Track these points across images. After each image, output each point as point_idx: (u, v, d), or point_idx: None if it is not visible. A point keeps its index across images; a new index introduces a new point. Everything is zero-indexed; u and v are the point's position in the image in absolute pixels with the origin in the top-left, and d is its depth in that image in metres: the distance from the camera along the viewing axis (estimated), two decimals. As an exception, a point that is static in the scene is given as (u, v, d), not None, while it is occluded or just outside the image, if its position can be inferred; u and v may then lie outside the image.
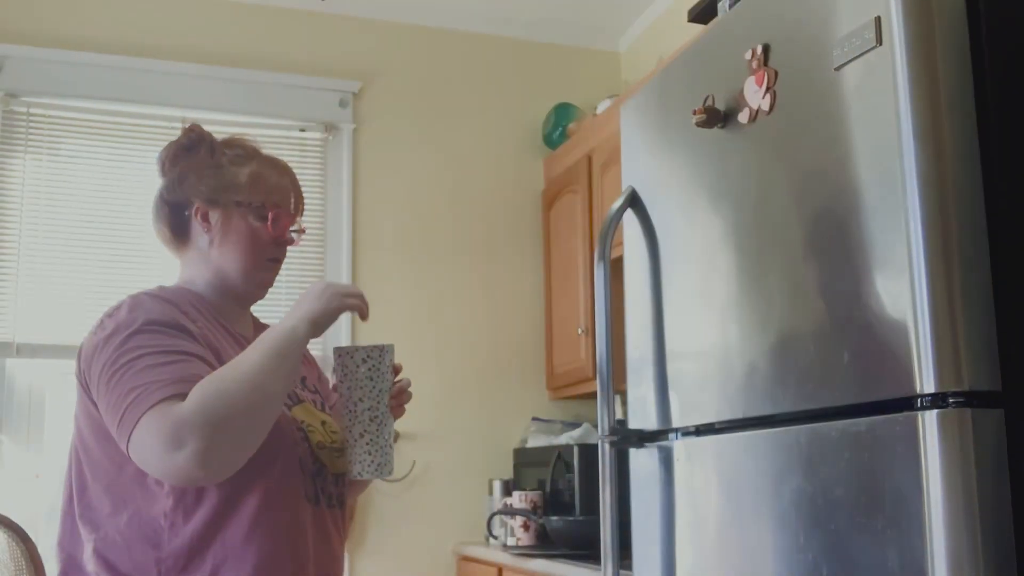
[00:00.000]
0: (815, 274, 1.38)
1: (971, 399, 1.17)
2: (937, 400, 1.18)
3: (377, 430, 1.56)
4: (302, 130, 3.68)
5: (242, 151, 1.67)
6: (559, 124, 3.83)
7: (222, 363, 1.49)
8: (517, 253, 3.86)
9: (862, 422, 1.27)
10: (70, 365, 3.56)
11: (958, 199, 1.22)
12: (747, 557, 1.49)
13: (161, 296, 1.57)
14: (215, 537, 1.45)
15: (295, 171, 1.76)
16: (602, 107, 3.51)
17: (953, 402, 1.17)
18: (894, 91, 1.25)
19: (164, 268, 3.41)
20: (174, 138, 1.72)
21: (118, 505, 1.49)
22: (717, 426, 1.61)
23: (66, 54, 3.42)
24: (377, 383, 1.57)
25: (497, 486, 3.53)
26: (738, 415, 1.53)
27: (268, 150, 1.75)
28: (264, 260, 1.63)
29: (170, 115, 3.54)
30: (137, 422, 1.38)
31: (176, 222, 1.64)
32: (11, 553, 2.22)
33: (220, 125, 3.59)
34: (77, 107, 3.44)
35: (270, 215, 1.61)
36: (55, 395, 3.39)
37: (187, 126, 1.72)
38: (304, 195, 1.74)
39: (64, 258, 3.36)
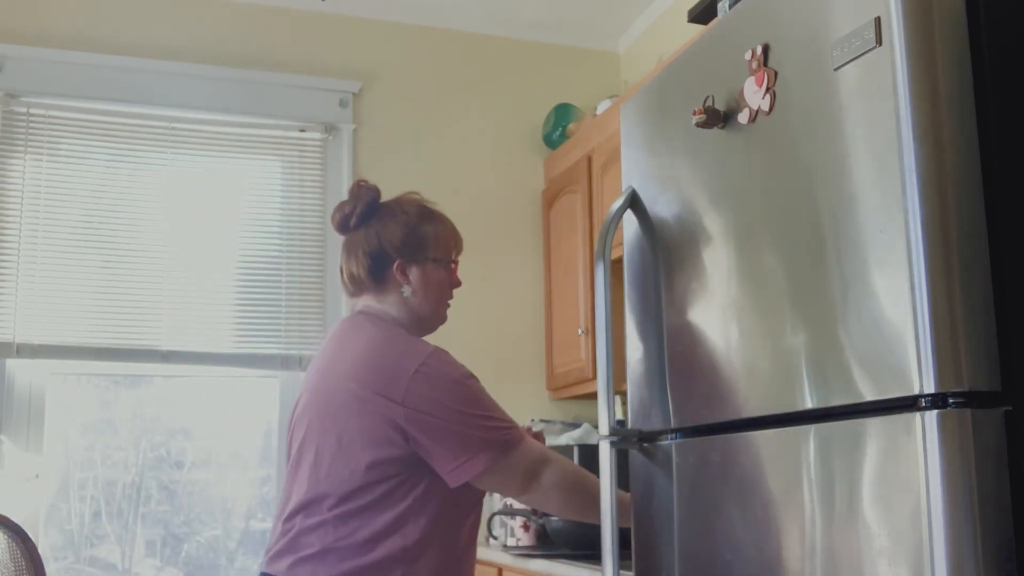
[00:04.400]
0: (815, 274, 1.38)
1: (971, 399, 1.17)
2: (937, 400, 1.18)
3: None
4: (302, 130, 3.68)
5: (418, 209, 1.99)
6: (559, 124, 3.83)
7: None
8: (517, 253, 3.86)
9: (862, 422, 1.27)
10: (70, 365, 3.55)
11: (958, 199, 1.22)
12: (747, 557, 1.48)
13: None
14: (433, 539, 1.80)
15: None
16: (602, 107, 3.51)
17: (953, 402, 1.17)
18: (894, 91, 1.25)
19: (165, 268, 3.41)
20: (342, 197, 2.04)
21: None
22: (717, 426, 1.60)
23: (66, 54, 3.42)
24: None
25: (497, 486, 3.52)
26: (738, 415, 1.53)
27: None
28: (447, 302, 2.01)
29: (170, 115, 3.54)
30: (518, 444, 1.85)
31: (377, 272, 1.95)
32: (11, 553, 2.22)
33: (220, 125, 3.59)
34: (77, 107, 3.44)
35: (454, 267, 2.00)
36: (55, 395, 3.39)
37: (356, 183, 2.03)
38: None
39: (64, 258, 3.36)
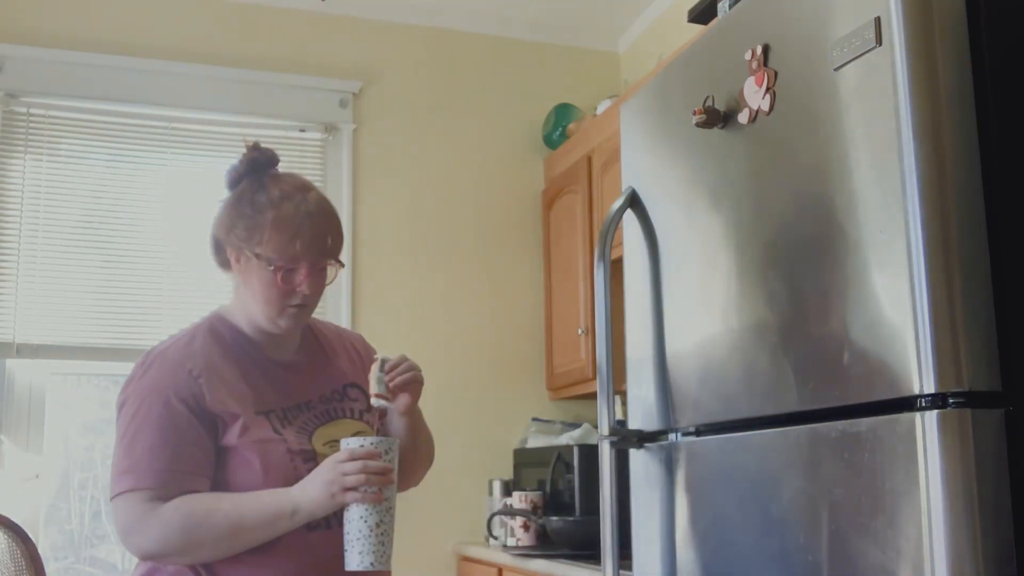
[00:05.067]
0: (815, 274, 1.38)
1: (971, 399, 1.17)
2: (937, 400, 1.18)
3: (391, 521, 1.59)
4: (302, 130, 3.68)
5: (269, 198, 1.66)
6: (559, 124, 3.83)
7: (224, 390, 1.64)
8: (517, 253, 3.86)
9: (862, 422, 1.27)
10: (70, 365, 3.54)
11: (958, 199, 1.22)
12: (747, 558, 1.48)
13: (181, 356, 1.67)
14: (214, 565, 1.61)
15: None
16: (602, 107, 3.51)
17: (953, 402, 1.17)
18: (894, 91, 1.25)
19: (165, 268, 3.41)
20: (239, 155, 1.75)
21: None
22: (717, 426, 1.61)
23: (66, 54, 3.42)
24: (395, 473, 1.62)
25: (497, 486, 3.53)
26: (738, 415, 1.53)
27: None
28: (285, 307, 1.68)
29: (170, 115, 3.54)
30: (120, 495, 1.59)
31: (219, 255, 1.74)
32: (11, 553, 2.22)
33: (220, 125, 3.59)
34: (77, 107, 3.44)
35: (278, 274, 1.64)
36: (55, 395, 3.39)
37: (251, 144, 1.75)
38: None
39: (64, 258, 3.36)
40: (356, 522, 1.55)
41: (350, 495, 1.55)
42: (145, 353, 1.70)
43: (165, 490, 1.57)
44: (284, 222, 1.64)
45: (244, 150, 1.73)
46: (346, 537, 1.57)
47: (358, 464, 1.55)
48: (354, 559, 1.55)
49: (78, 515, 3.42)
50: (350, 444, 1.58)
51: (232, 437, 1.62)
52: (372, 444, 1.57)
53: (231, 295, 1.77)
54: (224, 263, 1.74)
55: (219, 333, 1.72)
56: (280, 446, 1.64)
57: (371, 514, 1.55)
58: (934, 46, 1.25)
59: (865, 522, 1.25)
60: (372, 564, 1.55)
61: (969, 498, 1.15)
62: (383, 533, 1.56)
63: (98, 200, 3.44)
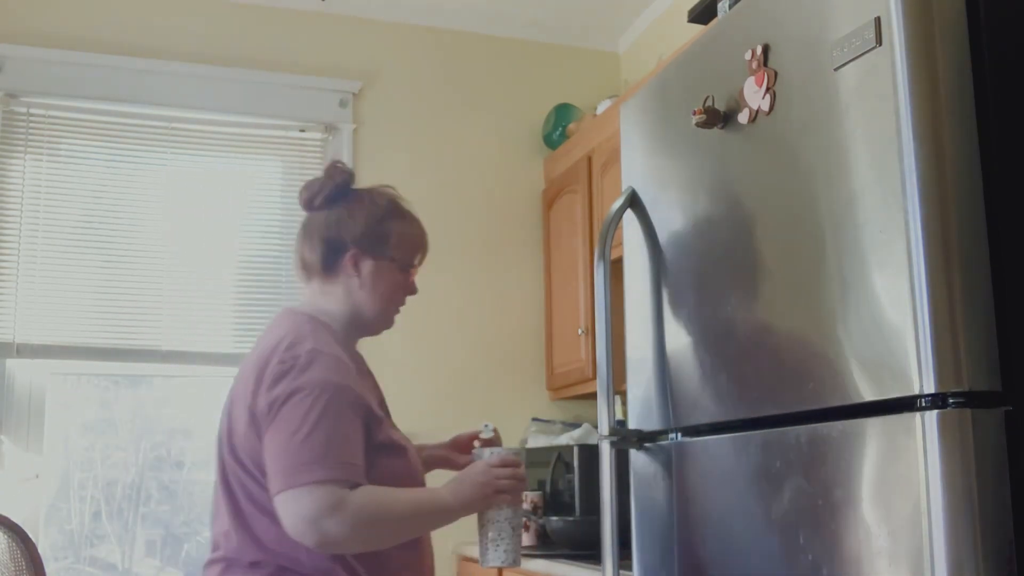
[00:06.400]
0: (815, 274, 1.38)
1: (971, 399, 1.17)
2: (937, 400, 1.18)
3: (522, 523, 1.76)
4: (302, 130, 3.68)
5: (389, 203, 1.88)
6: (559, 124, 3.83)
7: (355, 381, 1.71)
8: (517, 253, 3.86)
9: (862, 422, 1.27)
10: (70, 365, 3.54)
11: (958, 199, 1.22)
12: (747, 557, 1.49)
13: (338, 354, 1.71)
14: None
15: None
16: (602, 107, 3.51)
17: (953, 402, 1.17)
18: (894, 91, 1.25)
19: (165, 268, 3.41)
20: (317, 175, 1.87)
21: None
22: (717, 426, 1.61)
23: (66, 54, 3.42)
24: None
25: (497, 486, 3.52)
26: (738, 415, 1.53)
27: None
28: (397, 307, 1.87)
29: (170, 115, 3.54)
30: (308, 484, 1.58)
31: (329, 259, 1.81)
32: (11, 553, 2.22)
33: (220, 125, 3.59)
34: (77, 107, 3.44)
35: (413, 274, 1.87)
36: (55, 395, 3.39)
37: (332, 163, 1.89)
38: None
39: (64, 258, 3.36)
40: (502, 523, 1.71)
41: (501, 497, 1.71)
42: (289, 345, 1.67)
43: (349, 482, 1.60)
44: (414, 229, 1.89)
45: (327, 170, 1.87)
46: (487, 536, 1.71)
47: (509, 470, 1.72)
48: (499, 556, 1.71)
49: (78, 515, 3.42)
50: (498, 451, 1.74)
51: (383, 434, 1.70)
52: (514, 453, 1.76)
53: (318, 299, 1.81)
54: (330, 267, 1.80)
55: (335, 334, 1.77)
56: (408, 444, 1.77)
57: (515, 516, 1.72)
58: (934, 46, 1.25)
59: (865, 522, 1.25)
60: (514, 561, 1.72)
61: (969, 498, 1.15)
62: (520, 534, 1.74)
63: (98, 200, 3.44)
